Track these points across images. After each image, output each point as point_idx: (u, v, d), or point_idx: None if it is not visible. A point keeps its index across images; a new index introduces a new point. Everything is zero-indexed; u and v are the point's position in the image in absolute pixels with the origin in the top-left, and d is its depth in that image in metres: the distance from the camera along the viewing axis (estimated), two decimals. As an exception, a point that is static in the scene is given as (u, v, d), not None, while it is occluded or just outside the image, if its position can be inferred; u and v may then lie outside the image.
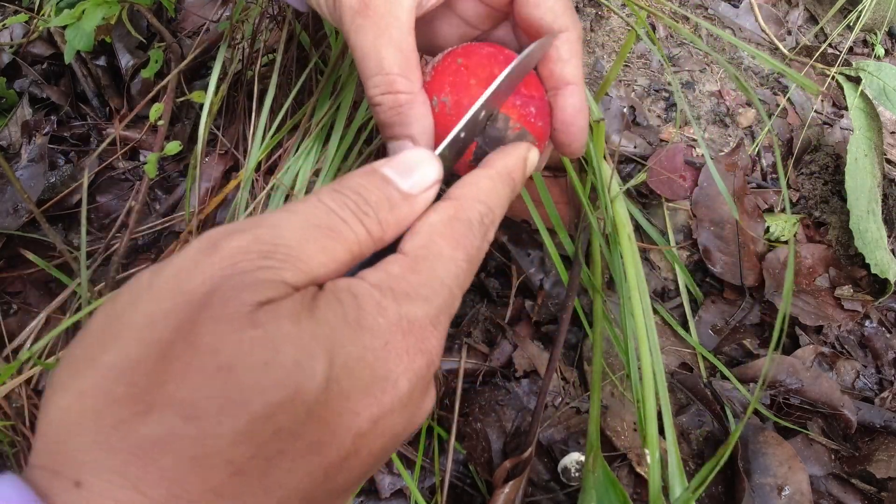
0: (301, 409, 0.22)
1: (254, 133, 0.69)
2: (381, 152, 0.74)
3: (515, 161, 0.34)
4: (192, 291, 0.23)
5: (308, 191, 0.67)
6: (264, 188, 0.66)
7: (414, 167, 0.30)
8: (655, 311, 0.78)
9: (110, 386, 0.22)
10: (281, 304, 0.23)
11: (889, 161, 0.96)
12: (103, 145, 0.78)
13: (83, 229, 0.69)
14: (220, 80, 0.75)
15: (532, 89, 0.38)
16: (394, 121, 0.35)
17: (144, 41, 0.91)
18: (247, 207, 0.69)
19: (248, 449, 0.21)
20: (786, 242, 0.85)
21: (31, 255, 0.73)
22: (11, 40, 0.95)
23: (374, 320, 0.25)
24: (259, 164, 0.72)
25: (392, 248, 0.29)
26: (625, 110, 0.92)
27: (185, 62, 0.76)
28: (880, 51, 1.08)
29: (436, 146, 0.38)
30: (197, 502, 0.21)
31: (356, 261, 0.27)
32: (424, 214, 0.29)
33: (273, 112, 0.72)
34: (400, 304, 0.25)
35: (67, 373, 0.23)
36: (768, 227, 0.87)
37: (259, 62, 0.75)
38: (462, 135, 0.34)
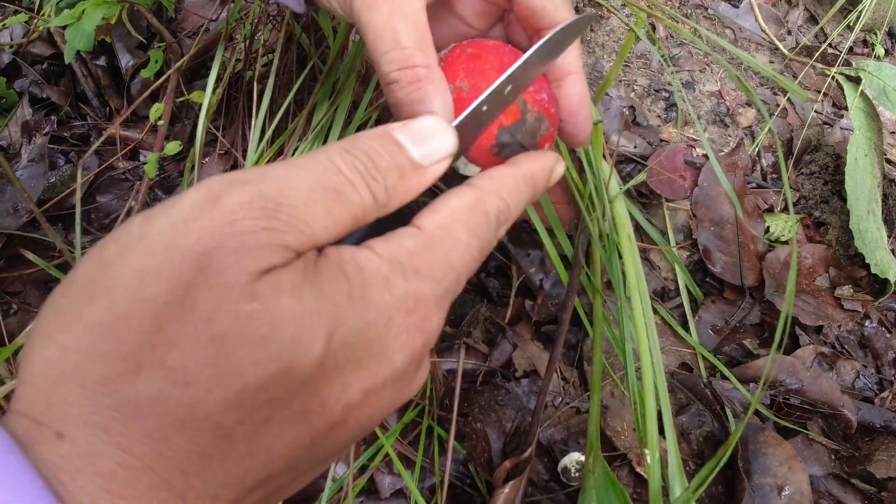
0: (293, 382, 0.22)
1: (251, 134, 0.69)
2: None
3: (542, 167, 0.33)
4: (188, 248, 0.22)
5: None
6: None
7: (429, 136, 0.29)
8: (655, 311, 0.78)
9: (96, 342, 0.21)
10: (282, 274, 0.22)
11: (889, 161, 0.96)
12: (97, 143, 0.78)
13: (77, 227, 0.69)
14: (219, 81, 0.75)
15: (540, 79, 0.39)
16: (412, 97, 0.33)
17: (144, 41, 0.91)
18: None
19: (238, 415, 0.21)
20: (786, 242, 0.85)
21: (31, 255, 0.73)
22: (11, 40, 0.95)
23: (379, 296, 0.24)
24: (259, 164, 0.72)
25: (392, 217, 0.28)
26: (625, 110, 0.92)
27: (182, 61, 0.76)
28: (880, 51, 1.08)
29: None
30: (181, 462, 0.21)
31: (358, 226, 0.26)
32: (446, 196, 0.29)
33: (272, 112, 0.72)
34: (409, 281, 0.25)
35: (51, 323, 0.22)
36: (768, 227, 0.87)
37: (259, 62, 0.75)
38: (484, 108, 0.33)
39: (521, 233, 0.81)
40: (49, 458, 0.21)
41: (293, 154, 0.67)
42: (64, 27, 0.70)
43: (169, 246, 0.22)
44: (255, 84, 0.74)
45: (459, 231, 0.28)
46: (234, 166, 0.82)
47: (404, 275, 0.25)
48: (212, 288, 0.21)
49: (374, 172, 0.26)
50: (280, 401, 0.22)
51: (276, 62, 0.71)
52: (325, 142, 0.66)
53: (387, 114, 0.76)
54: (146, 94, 0.76)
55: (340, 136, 0.67)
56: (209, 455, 0.21)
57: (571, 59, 0.39)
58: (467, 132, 0.33)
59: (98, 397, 0.21)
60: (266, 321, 0.21)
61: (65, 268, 0.74)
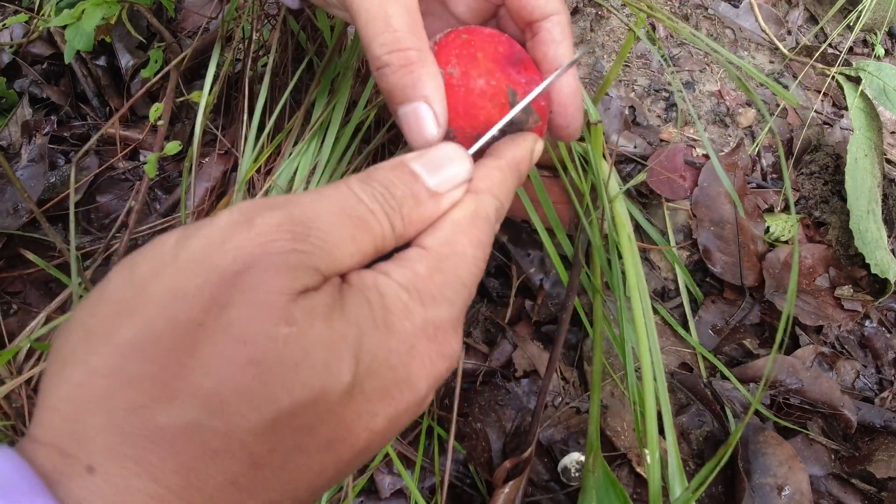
0: (323, 409, 0.22)
1: (247, 134, 0.69)
2: (382, 151, 0.74)
3: (523, 152, 0.33)
4: (223, 267, 0.22)
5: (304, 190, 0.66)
6: (263, 188, 0.66)
7: (444, 164, 0.29)
8: (655, 311, 0.78)
9: (127, 365, 0.20)
10: (315, 298, 0.22)
11: (889, 161, 0.95)
12: (91, 141, 0.78)
13: (72, 225, 0.69)
14: (217, 80, 0.75)
15: (532, 72, 0.38)
16: (404, 81, 0.33)
17: (144, 41, 0.91)
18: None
19: (270, 443, 0.21)
20: (786, 242, 0.85)
21: (31, 255, 0.73)
22: (11, 40, 0.95)
23: (401, 324, 0.25)
24: (259, 164, 0.72)
25: None
26: (625, 110, 0.92)
27: (180, 58, 0.76)
28: (880, 51, 1.08)
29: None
30: (212, 492, 0.21)
31: (378, 255, 0.27)
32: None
33: (271, 112, 0.72)
34: (426, 308, 0.25)
35: (78, 344, 0.22)
36: (768, 227, 0.87)
37: (258, 62, 0.75)
38: (498, 135, 0.33)
39: (521, 233, 0.81)
40: (79, 494, 0.20)
41: (290, 154, 0.67)
42: (64, 27, 0.70)
43: (204, 266, 0.22)
44: (246, 82, 0.74)
45: (465, 244, 0.28)
46: (235, 166, 0.82)
47: (422, 301, 0.25)
48: (248, 307, 0.21)
49: (391, 201, 0.27)
50: (309, 428, 0.22)
51: (270, 60, 0.71)
52: (322, 140, 0.66)
53: (386, 112, 0.76)
54: (142, 91, 0.76)
55: (339, 136, 0.67)
56: (239, 485, 0.21)
57: (564, 51, 0.38)
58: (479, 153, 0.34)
59: (129, 426, 0.20)
60: (301, 346, 0.21)
61: (65, 268, 0.74)
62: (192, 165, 0.72)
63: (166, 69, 0.77)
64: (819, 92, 1.01)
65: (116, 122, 0.83)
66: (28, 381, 0.68)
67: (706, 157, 0.90)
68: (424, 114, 0.33)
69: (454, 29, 0.39)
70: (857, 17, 1.02)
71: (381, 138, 0.71)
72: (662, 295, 0.83)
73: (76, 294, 0.67)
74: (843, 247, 0.89)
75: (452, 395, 0.68)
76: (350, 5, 0.34)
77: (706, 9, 1.06)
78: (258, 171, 0.71)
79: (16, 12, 0.92)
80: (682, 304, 0.81)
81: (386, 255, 0.28)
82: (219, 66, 0.75)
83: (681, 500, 0.50)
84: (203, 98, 0.71)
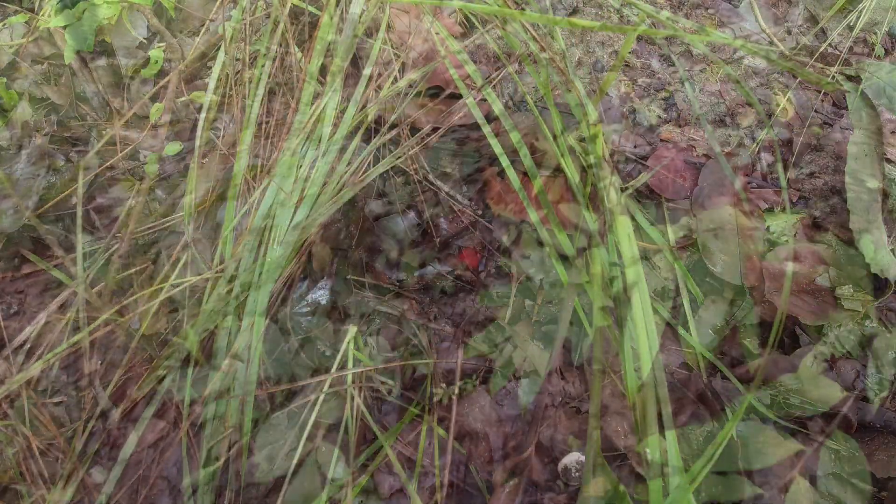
0: None
1: (243, 132, 0.69)
2: (382, 151, 0.74)
3: None
4: None
5: (303, 189, 0.67)
6: (260, 186, 0.67)
7: None
8: (655, 311, 0.78)
9: None
10: None
11: (889, 161, 0.96)
12: (100, 145, 0.78)
13: (79, 229, 0.69)
14: (219, 81, 0.75)
15: None
16: None
17: (145, 41, 0.91)
18: (235, 208, 0.69)
19: None
20: (786, 242, 0.85)
21: (31, 255, 0.73)
22: (11, 40, 0.95)
23: None
24: (260, 163, 0.72)
25: None
26: (625, 110, 0.92)
27: (185, 63, 0.76)
28: (880, 51, 1.08)
29: None
30: None
31: None
32: None
33: (269, 111, 0.72)
34: None
35: None
36: (768, 227, 0.87)
37: (257, 62, 0.75)
38: None
39: (521, 233, 0.81)
40: None
41: (289, 152, 0.67)
42: (64, 27, 0.70)
43: None
44: (226, 86, 0.74)
45: None
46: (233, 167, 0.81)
47: None
48: None
49: None
50: None
51: (263, 63, 0.71)
52: (319, 139, 0.66)
53: (386, 112, 0.76)
54: (149, 95, 0.77)
55: (334, 133, 0.67)
56: None
57: None
58: None
59: None
60: None
61: (64, 268, 0.74)
62: (194, 164, 0.72)
63: (170, 77, 0.77)
64: (819, 92, 1.01)
65: (116, 122, 0.83)
66: (28, 382, 0.68)
67: (706, 156, 0.90)
68: None
69: None
70: (857, 17, 1.02)
71: (382, 138, 0.71)
72: (662, 295, 0.83)
73: (80, 294, 0.67)
74: (843, 246, 0.89)
75: (452, 395, 0.68)
76: None
77: (706, 9, 1.06)
78: (260, 169, 0.71)
79: (16, 12, 0.92)
80: (682, 304, 0.81)
81: None
82: (223, 66, 0.75)
83: (680, 488, 0.50)
84: (207, 98, 0.71)
